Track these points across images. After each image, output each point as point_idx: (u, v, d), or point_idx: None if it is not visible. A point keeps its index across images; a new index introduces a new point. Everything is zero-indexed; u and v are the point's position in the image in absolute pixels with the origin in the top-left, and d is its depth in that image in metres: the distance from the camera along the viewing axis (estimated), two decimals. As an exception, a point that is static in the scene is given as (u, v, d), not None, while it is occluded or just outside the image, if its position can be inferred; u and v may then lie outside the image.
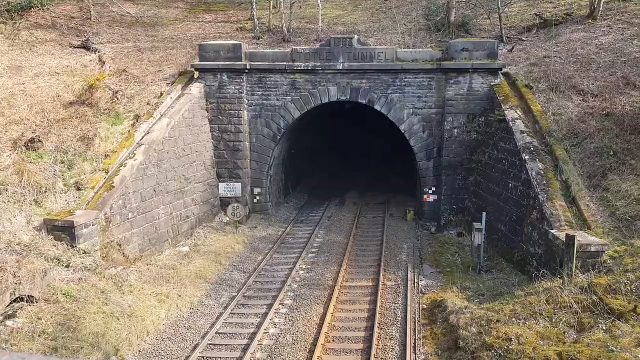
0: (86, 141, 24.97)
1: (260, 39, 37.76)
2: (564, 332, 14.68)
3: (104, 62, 33.26)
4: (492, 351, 14.62)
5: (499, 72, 29.04)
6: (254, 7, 38.69)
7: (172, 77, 31.37)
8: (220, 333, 18.79)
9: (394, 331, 18.44)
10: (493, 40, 30.25)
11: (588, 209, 19.91)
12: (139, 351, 17.51)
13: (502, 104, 27.05)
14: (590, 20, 33.34)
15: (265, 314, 19.86)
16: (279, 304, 21.00)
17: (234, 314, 20.24)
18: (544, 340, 14.42)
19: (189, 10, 46.10)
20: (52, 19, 39.11)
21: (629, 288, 15.41)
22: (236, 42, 32.06)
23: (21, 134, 24.43)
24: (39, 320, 16.56)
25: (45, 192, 22.15)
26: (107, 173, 23.95)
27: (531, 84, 27.67)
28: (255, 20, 38.72)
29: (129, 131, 26.45)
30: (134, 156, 25.08)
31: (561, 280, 16.88)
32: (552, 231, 19.17)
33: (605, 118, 23.63)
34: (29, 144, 23.73)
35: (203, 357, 17.33)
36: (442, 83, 29.69)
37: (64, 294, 17.86)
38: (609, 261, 17.16)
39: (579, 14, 35.19)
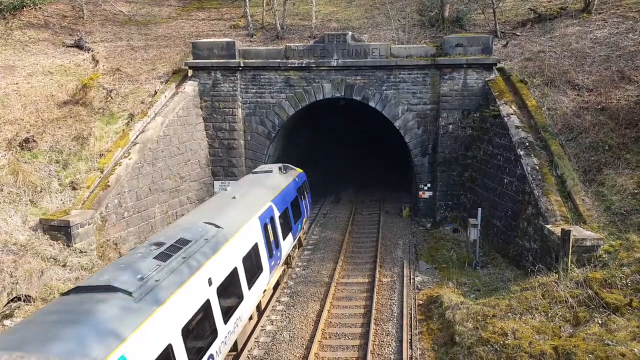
0: (81, 141, 24.93)
1: (254, 37, 37.69)
2: (560, 327, 14.74)
3: (97, 61, 33.19)
4: (489, 346, 14.69)
5: (494, 67, 29.06)
6: (247, 4, 38.59)
7: (166, 76, 31.31)
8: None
9: (390, 327, 18.48)
10: (487, 36, 30.22)
11: (583, 204, 19.96)
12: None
13: (497, 100, 27.09)
14: (585, 15, 33.36)
15: (262, 312, 19.87)
16: (276, 301, 21.03)
17: (230, 312, 20.25)
18: (540, 335, 14.48)
19: (182, 8, 45.99)
20: (45, 18, 38.96)
21: (625, 282, 15.46)
22: (230, 39, 31.98)
23: (15, 134, 24.39)
24: (36, 320, 16.52)
25: (41, 192, 22.12)
26: (102, 172, 23.93)
27: (526, 79, 27.69)
28: (249, 17, 38.67)
29: (123, 130, 26.41)
30: (128, 155, 25.06)
31: (557, 275, 16.93)
32: (547, 226, 19.22)
33: (601, 112, 23.64)
34: (24, 144, 23.70)
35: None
36: (436, 79, 29.71)
37: (60, 294, 17.83)
38: (604, 255, 17.20)
39: (574, 8, 35.20)
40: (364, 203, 36.93)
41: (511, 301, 16.72)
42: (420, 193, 31.33)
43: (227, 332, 14.50)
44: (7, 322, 16.31)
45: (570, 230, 17.12)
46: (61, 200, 22.41)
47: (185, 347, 11.89)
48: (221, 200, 19.22)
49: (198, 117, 31.05)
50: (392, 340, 17.63)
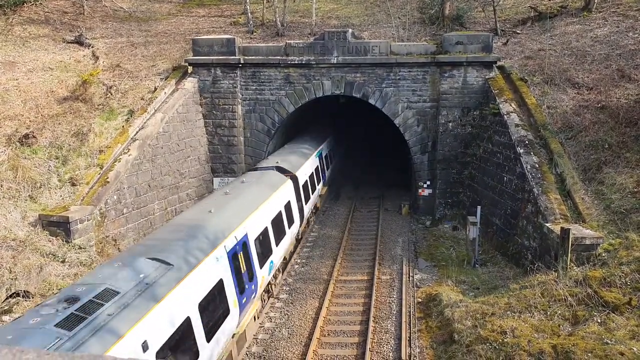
0: (80, 137, 24.91)
1: (254, 34, 37.64)
2: (559, 325, 14.73)
3: (97, 58, 33.14)
4: (487, 344, 14.68)
5: (494, 65, 29.01)
6: (248, 1, 38.54)
7: (165, 72, 31.28)
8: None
9: (389, 325, 18.49)
10: (488, 34, 30.20)
11: (583, 202, 19.95)
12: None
13: (496, 98, 27.06)
14: (585, 13, 33.33)
15: (261, 309, 19.88)
16: (275, 298, 21.03)
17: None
18: (539, 333, 14.48)
19: (182, 4, 45.93)
20: (45, 14, 38.90)
21: (624, 281, 15.46)
22: (230, 36, 31.95)
23: (15, 130, 24.37)
24: (35, 316, 16.52)
25: (40, 187, 22.11)
26: (101, 168, 23.90)
27: (526, 77, 27.67)
28: (249, 14, 38.60)
29: (123, 126, 26.38)
30: (128, 151, 25.03)
31: (556, 274, 16.92)
32: (547, 224, 19.22)
33: (600, 111, 23.64)
34: (23, 140, 23.67)
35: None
36: (436, 77, 29.66)
37: (59, 290, 17.82)
38: (603, 254, 17.19)
39: (574, 6, 35.16)
40: (363, 200, 36.91)
41: (510, 299, 16.72)
42: (420, 191, 31.33)
43: (317, 191, 30.78)
44: (5, 317, 16.31)
45: (569, 229, 17.12)
46: (60, 196, 22.40)
47: (315, 174, 29.95)
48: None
49: (198, 114, 31.02)
50: (390, 338, 17.64)
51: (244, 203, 18.39)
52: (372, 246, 26.76)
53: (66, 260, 19.60)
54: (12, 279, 17.67)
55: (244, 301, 15.99)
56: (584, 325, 14.32)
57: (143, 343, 10.69)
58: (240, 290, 15.88)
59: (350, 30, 30.63)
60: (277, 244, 20.61)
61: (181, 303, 12.28)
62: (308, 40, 32.75)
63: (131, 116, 27.06)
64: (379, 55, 29.82)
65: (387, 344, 17.24)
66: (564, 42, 30.60)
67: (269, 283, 20.24)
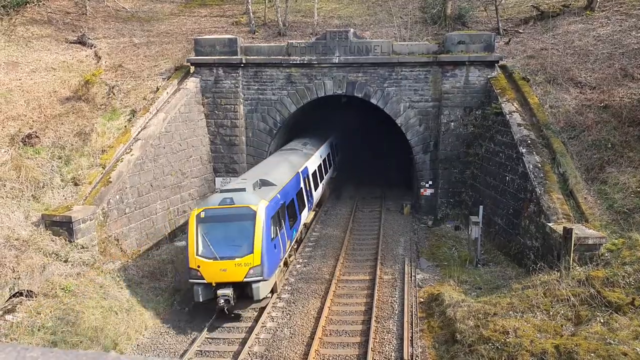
0: (83, 137, 24.95)
1: (256, 33, 37.65)
2: (562, 325, 14.72)
3: (100, 58, 33.19)
4: (490, 344, 14.67)
5: (496, 64, 28.96)
6: (249, 1, 38.55)
7: (168, 72, 31.30)
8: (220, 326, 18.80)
9: (391, 324, 18.48)
10: (490, 33, 30.15)
11: (586, 202, 19.92)
12: (138, 345, 17.56)
13: (499, 97, 27.02)
14: (588, 12, 33.25)
15: (263, 308, 19.90)
16: (277, 297, 21.05)
17: (232, 308, 20.27)
18: (542, 334, 14.47)
19: (185, 4, 45.93)
20: (48, 14, 38.96)
21: (627, 281, 15.44)
22: (232, 36, 31.96)
23: (18, 130, 24.42)
24: (38, 314, 16.60)
25: (43, 187, 22.15)
26: (104, 168, 23.94)
27: (528, 77, 27.61)
28: (251, 14, 38.61)
29: (125, 126, 26.41)
30: (130, 151, 25.06)
31: (558, 274, 16.90)
32: (549, 224, 19.19)
33: (603, 110, 23.58)
34: (26, 140, 23.71)
35: (201, 351, 17.38)
36: (438, 76, 29.62)
37: (62, 289, 17.88)
38: (606, 254, 17.16)
39: (577, 5, 35.06)
40: (365, 200, 36.88)
41: (512, 299, 16.71)
42: (422, 190, 31.30)
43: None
44: (9, 317, 16.36)
45: (572, 229, 17.08)
46: (63, 196, 22.44)
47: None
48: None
49: (200, 114, 31.05)
50: (392, 337, 17.63)
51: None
52: (374, 246, 26.75)
53: (69, 259, 19.65)
54: (15, 279, 17.71)
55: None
56: (587, 325, 14.31)
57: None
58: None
59: (352, 30, 30.63)
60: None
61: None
62: (310, 40, 32.73)
63: (133, 116, 27.09)
64: (381, 54, 29.80)
65: (389, 344, 17.24)
66: (566, 41, 30.55)
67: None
